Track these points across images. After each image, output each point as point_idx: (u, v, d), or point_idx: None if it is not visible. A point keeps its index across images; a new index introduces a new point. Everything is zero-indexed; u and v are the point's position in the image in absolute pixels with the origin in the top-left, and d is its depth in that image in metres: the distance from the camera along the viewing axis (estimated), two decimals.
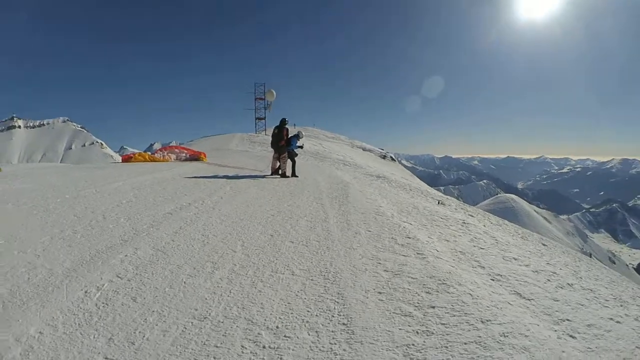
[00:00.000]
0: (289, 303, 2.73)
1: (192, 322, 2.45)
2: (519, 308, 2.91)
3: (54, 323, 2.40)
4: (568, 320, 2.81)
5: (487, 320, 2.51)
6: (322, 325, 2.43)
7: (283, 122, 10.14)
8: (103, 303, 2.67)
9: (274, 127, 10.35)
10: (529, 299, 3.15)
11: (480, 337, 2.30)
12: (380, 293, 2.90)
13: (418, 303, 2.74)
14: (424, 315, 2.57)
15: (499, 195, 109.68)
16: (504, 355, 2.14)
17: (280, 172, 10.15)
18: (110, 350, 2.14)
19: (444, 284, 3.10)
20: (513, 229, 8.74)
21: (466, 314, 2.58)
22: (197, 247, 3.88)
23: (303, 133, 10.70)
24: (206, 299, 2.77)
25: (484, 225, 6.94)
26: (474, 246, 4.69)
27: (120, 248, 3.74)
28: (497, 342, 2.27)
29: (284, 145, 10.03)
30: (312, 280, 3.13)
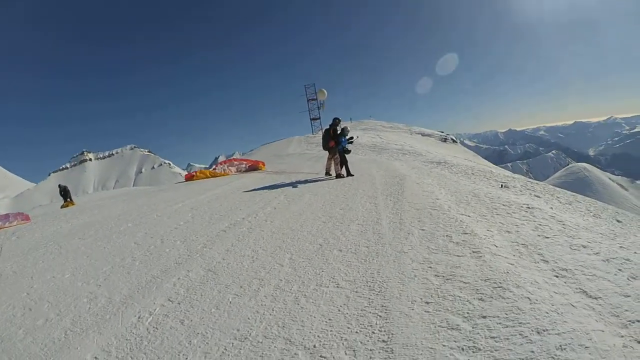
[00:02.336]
0: (330, 319, 2.67)
1: (232, 344, 2.52)
2: (583, 310, 2.52)
3: (109, 348, 2.66)
4: (639, 321, 2.36)
5: (544, 330, 2.21)
6: (361, 343, 2.34)
7: (334, 122, 10.09)
8: (153, 327, 2.88)
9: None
10: (595, 298, 2.71)
11: (532, 352, 2.03)
12: (427, 303, 2.72)
13: (468, 313, 2.52)
14: (472, 327, 2.34)
15: (570, 165, 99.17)
16: None
17: (334, 173, 10.13)
18: None
19: (499, 287, 2.82)
20: (585, 206, 7.78)
21: (521, 323, 2.30)
22: (246, 264, 3.99)
23: (348, 128, 10.53)
24: (249, 318, 2.83)
25: (551, 207, 6.25)
26: (538, 235, 4.23)
27: (174, 271, 3.99)
28: (552, 357, 1.98)
29: (334, 146, 9.98)
30: (356, 292, 3.04)
